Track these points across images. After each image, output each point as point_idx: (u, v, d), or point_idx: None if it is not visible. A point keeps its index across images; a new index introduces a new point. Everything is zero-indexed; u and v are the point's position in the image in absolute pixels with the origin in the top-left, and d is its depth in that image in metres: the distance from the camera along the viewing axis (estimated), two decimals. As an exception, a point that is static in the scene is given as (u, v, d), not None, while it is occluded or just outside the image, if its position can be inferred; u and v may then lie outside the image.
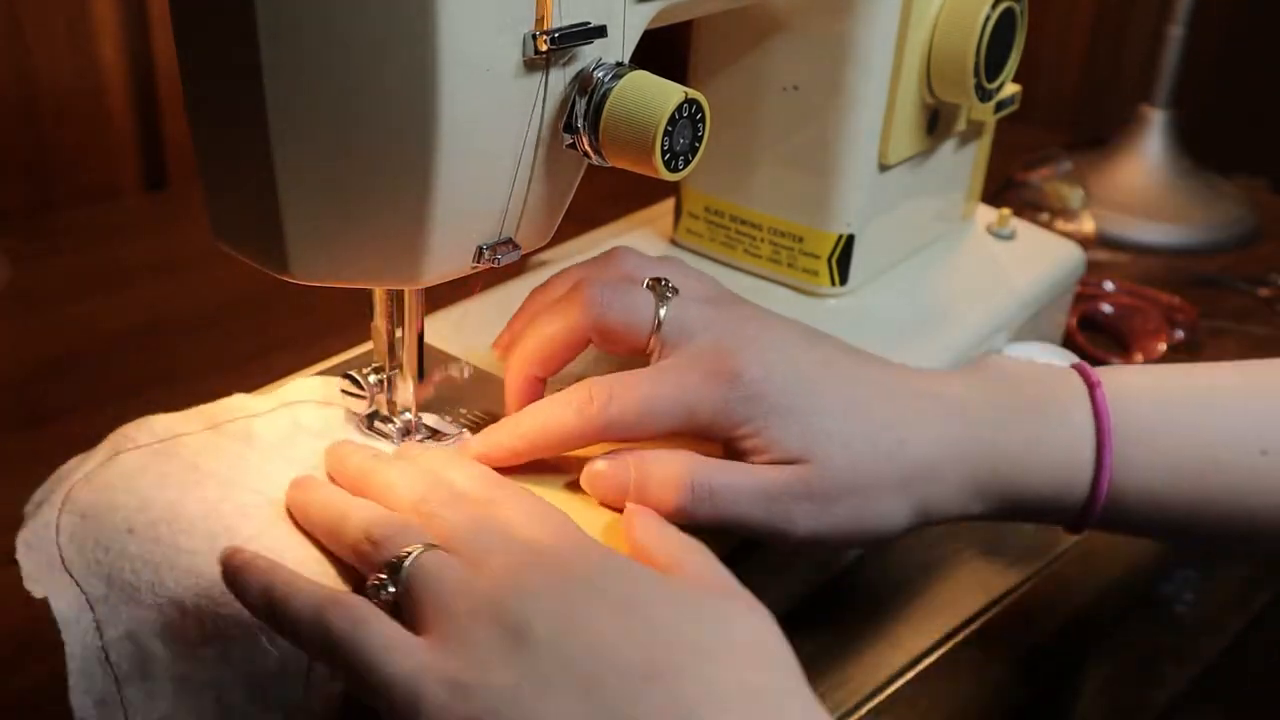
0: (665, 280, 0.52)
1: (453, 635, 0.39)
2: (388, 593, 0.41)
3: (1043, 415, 0.51)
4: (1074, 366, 0.53)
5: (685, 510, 0.48)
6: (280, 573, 0.42)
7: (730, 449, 0.49)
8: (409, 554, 0.42)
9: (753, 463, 0.49)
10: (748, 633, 0.40)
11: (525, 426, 0.50)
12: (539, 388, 0.53)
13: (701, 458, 0.49)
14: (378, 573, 0.42)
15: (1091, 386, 0.51)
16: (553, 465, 0.51)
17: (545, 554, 0.42)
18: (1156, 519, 0.51)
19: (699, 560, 0.44)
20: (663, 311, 0.50)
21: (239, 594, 0.43)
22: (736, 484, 0.48)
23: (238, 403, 0.52)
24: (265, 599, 0.42)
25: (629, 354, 0.51)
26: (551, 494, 0.49)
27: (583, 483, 0.49)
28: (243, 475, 0.48)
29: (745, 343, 0.49)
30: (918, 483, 0.50)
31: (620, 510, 0.48)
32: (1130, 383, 0.52)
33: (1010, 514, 0.52)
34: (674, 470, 0.48)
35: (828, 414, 0.49)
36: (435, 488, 0.46)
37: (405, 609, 0.41)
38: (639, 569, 0.42)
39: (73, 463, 0.48)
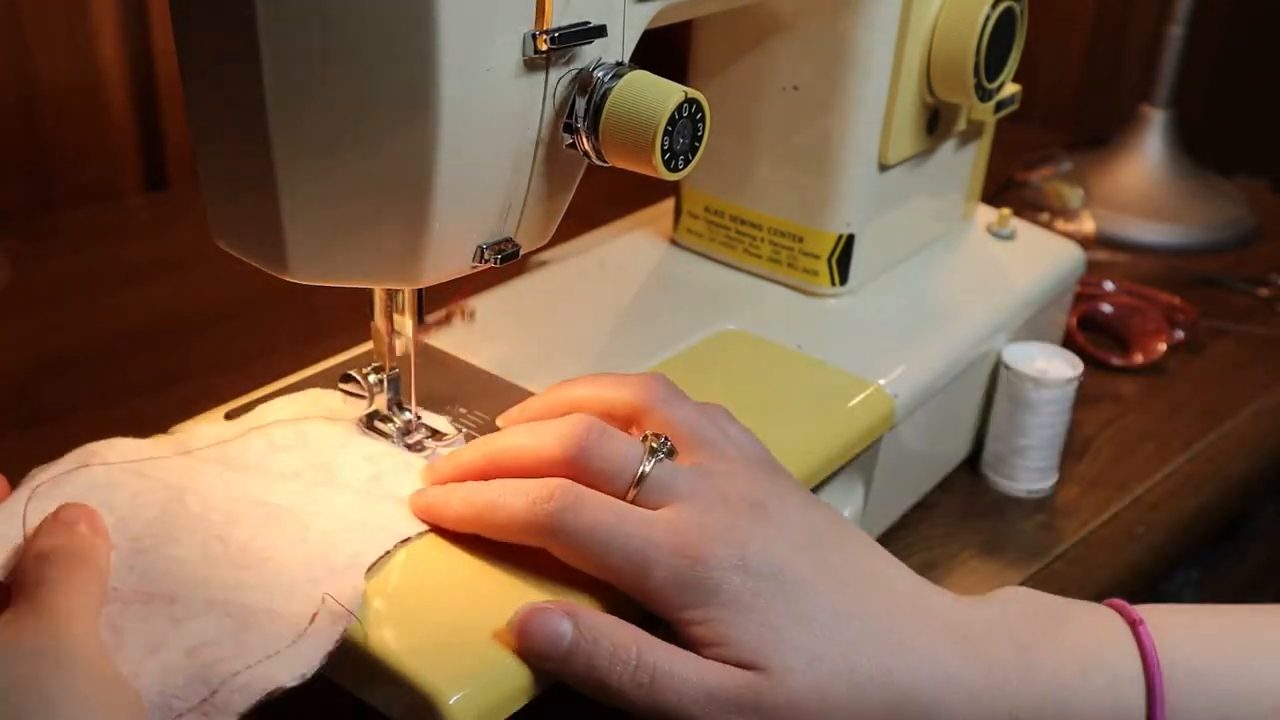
0: (664, 438, 0.47)
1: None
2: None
3: (1081, 657, 0.45)
4: (1110, 604, 0.47)
5: (620, 689, 0.42)
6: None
7: (675, 633, 0.44)
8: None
9: (702, 655, 0.43)
10: None
11: (476, 497, 0.46)
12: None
13: (650, 637, 0.43)
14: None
15: (1133, 624, 0.46)
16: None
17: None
18: None
19: None
20: (647, 467, 0.46)
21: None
22: (680, 675, 0.42)
23: (205, 430, 0.51)
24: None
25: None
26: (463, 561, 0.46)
27: (515, 621, 0.43)
28: (223, 489, 0.48)
29: (728, 528, 0.44)
30: None
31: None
32: (1174, 623, 0.46)
33: None
34: (617, 640, 0.43)
35: (799, 621, 0.43)
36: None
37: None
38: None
39: (35, 471, 0.48)
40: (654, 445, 0.47)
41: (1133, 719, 0.44)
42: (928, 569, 0.62)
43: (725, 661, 0.43)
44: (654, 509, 0.46)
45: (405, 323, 0.51)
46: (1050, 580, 0.63)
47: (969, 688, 0.44)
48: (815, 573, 0.45)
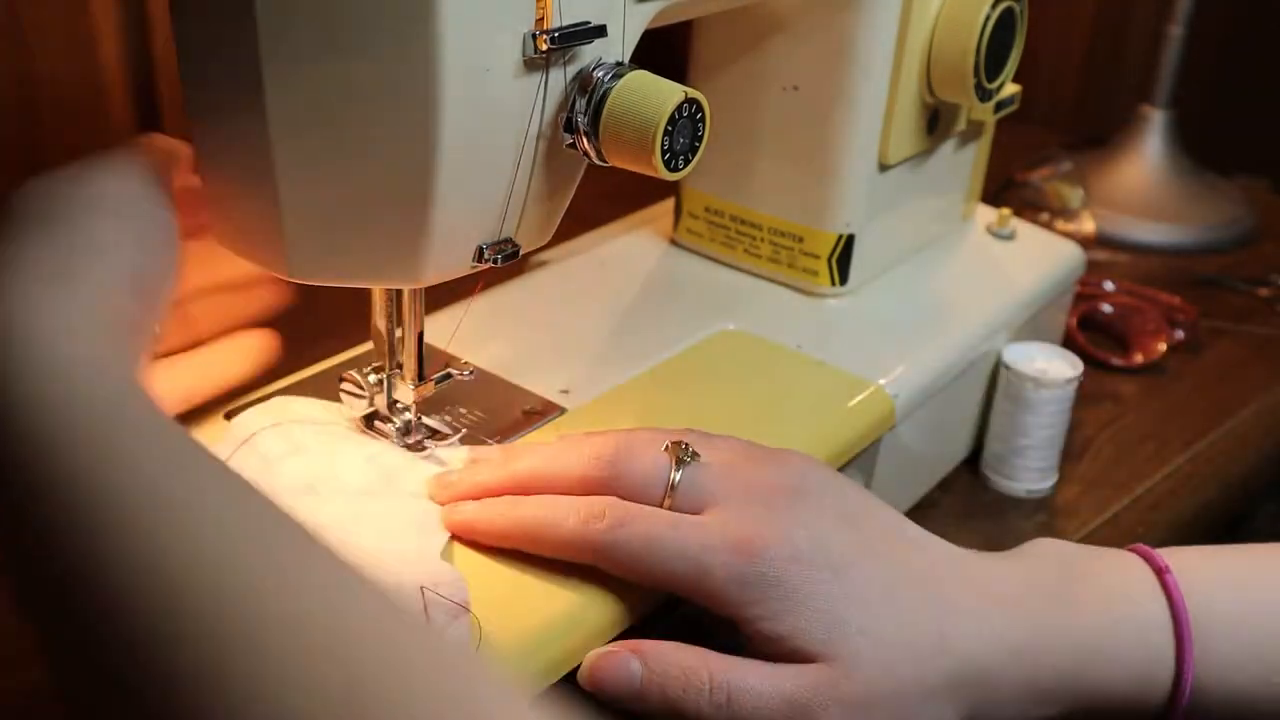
0: (686, 444, 0.48)
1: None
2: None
3: (1110, 605, 0.46)
4: (1134, 550, 0.49)
5: (699, 714, 0.43)
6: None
7: (739, 630, 0.45)
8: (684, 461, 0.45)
9: (767, 650, 0.45)
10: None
11: (523, 513, 0.46)
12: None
13: (716, 655, 0.44)
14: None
15: (1159, 571, 0.47)
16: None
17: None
18: (1245, 714, 0.46)
19: None
20: (677, 476, 0.47)
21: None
22: (756, 688, 0.43)
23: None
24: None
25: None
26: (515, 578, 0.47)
27: (581, 675, 0.44)
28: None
29: (772, 517, 0.45)
30: (967, 687, 0.45)
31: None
32: (1199, 566, 0.47)
33: (1082, 716, 0.46)
34: (687, 666, 0.44)
35: (856, 604, 0.44)
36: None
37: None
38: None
39: None
40: (679, 455, 0.47)
41: (1163, 666, 0.46)
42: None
43: (793, 654, 0.44)
44: (691, 514, 0.46)
45: (408, 390, 0.52)
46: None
47: (1013, 644, 0.45)
48: (860, 551, 0.46)
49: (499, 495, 0.48)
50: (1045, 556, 0.49)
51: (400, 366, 0.52)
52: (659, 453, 0.48)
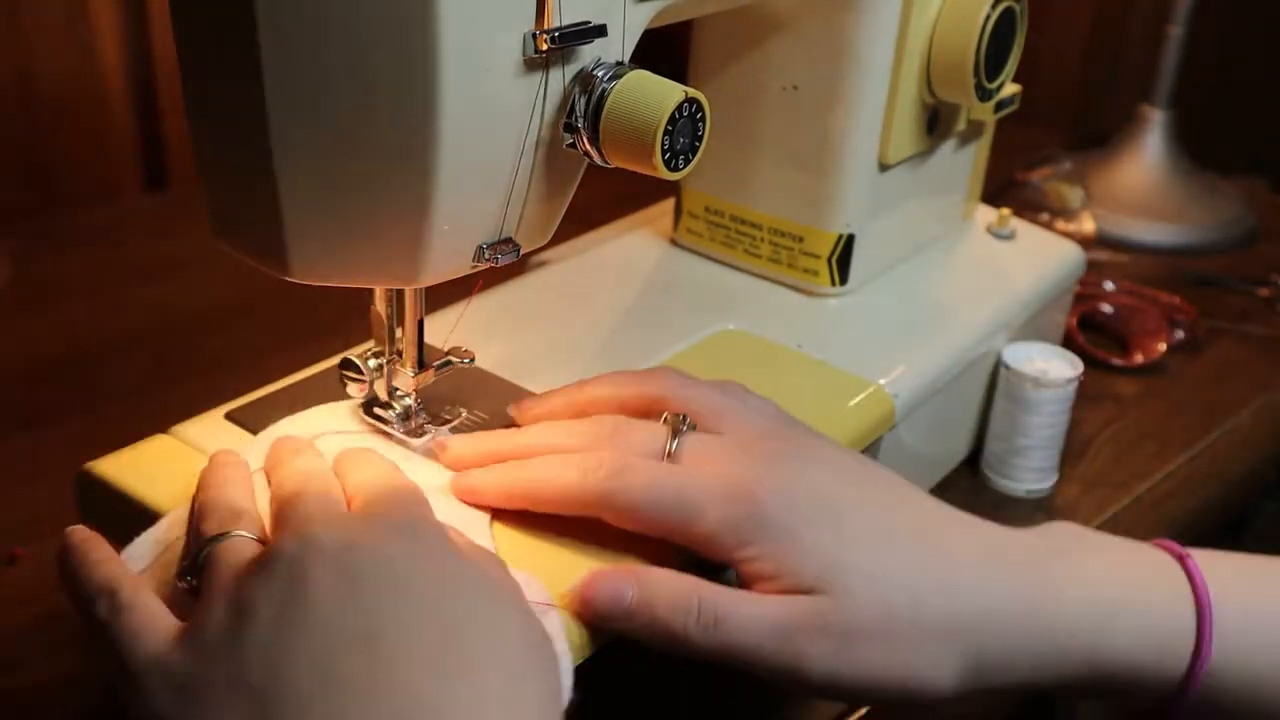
0: (683, 416, 0.48)
1: (195, 622, 0.39)
2: (185, 581, 0.42)
3: (1131, 576, 0.46)
4: (1156, 543, 0.49)
5: (687, 636, 0.44)
6: (92, 554, 0.42)
7: (735, 573, 0.46)
8: (211, 540, 0.42)
9: (760, 590, 0.45)
10: (481, 648, 0.38)
11: (525, 474, 0.47)
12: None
13: (709, 583, 0.44)
14: (184, 563, 0.43)
15: (1180, 557, 0.47)
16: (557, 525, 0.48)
17: (325, 538, 0.40)
18: (1254, 703, 0.46)
19: (494, 563, 0.43)
20: (674, 445, 0.47)
21: (58, 572, 0.43)
22: (744, 612, 0.43)
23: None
24: (68, 577, 0.42)
25: None
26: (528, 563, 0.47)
27: (581, 588, 0.45)
28: None
29: (770, 469, 0.46)
30: (970, 632, 0.44)
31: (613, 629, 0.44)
32: (1218, 558, 0.48)
33: (1095, 684, 0.46)
34: (678, 589, 0.44)
35: (854, 543, 0.44)
36: (309, 474, 0.45)
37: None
38: (408, 558, 0.40)
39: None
40: (675, 425, 0.48)
41: (1182, 637, 0.45)
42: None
43: (787, 591, 0.44)
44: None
45: (408, 377, 0.52)
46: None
47: (1023, 600, 0.45)
48: (860, 499, 0.46)
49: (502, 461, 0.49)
50: (1063, 531, 0.48)
51: (400, 354, 0.51)
52: (655, 426, 0.48)
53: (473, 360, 0.53)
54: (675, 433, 0.48)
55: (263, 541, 0.43)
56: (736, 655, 0.44)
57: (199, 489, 0.46)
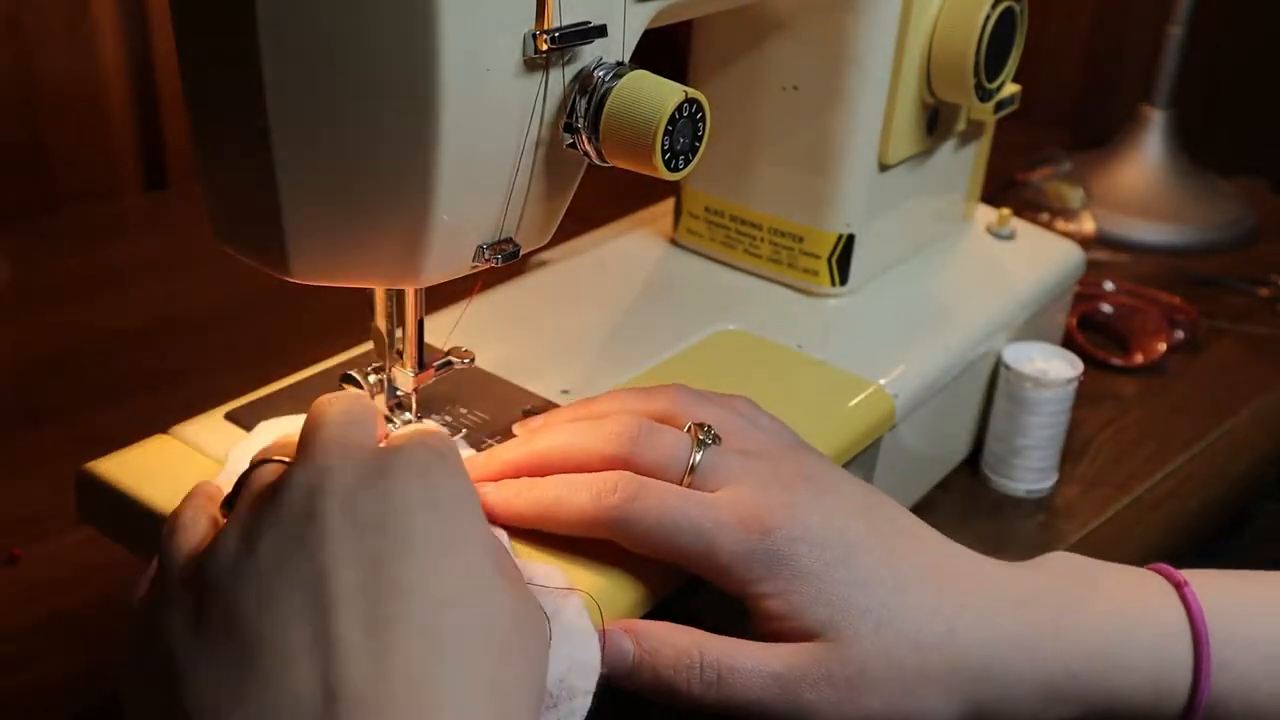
0: (708, 427, 0.48)
1: (207, 549, 0.39)
2: (225, 509, 0.43)
3: (1127, 613, 0.46)
4: (1153, 568, 0.48)
5: (690, 693, 0.44)
6: (201, 489, 0.44)
7: (745, 607, 0.46)
8: (251, 468, 0.43)
9: (769, 629, 0.45)
10: (473, 610, 0.37)
11: (538, 494, 0.47)
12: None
13: (709, 636, 0.44)
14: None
15: (1178, 585, 0.47)
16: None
17: (339, 472, 0.40)
18: None
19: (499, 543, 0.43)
20: (698, 457, 0.47)
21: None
22: (747, 667, 0.44)
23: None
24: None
25: None
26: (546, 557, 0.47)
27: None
28: None
29: (786, 500, 0.46)
30: (971, 682, 0.44)
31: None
32: (1215, 583, 0.47)
33: None
34: (679, 646, 0.44)
35: (864, 587, 0.44)
36: (336, 410, 0.43)
37: None
38: (423, 523, 0.39)
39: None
40: (700, 436, 0.48)
41: (1180, 675, 0.45)
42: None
43: (794, 633, 0.44)
44: (712, 490, 0.47)
45: (408, 377, 0.51)
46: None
47: (1024, 644, 0.45)
48: (873, 540, 0.46)
49: (520, 474, 0.49)
50: (1061, 566, 0.48)
51: (400, 354, 0.51)
52: (681, 433, 0.48)
53: (472, 360, 0.53)
54: (700, 444, 0.48)
55: None
56: (740, 708, 0.44)
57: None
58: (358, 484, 0.39)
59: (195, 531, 0.41)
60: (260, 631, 0.36)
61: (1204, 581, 0.47)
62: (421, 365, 0.51)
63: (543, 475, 0.48)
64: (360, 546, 0.37)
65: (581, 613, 0.44)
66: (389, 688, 0.35)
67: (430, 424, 0.51)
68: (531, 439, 0.49)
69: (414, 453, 0.41)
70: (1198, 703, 0.45)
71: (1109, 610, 0.46)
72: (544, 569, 0.45)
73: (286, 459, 0.42)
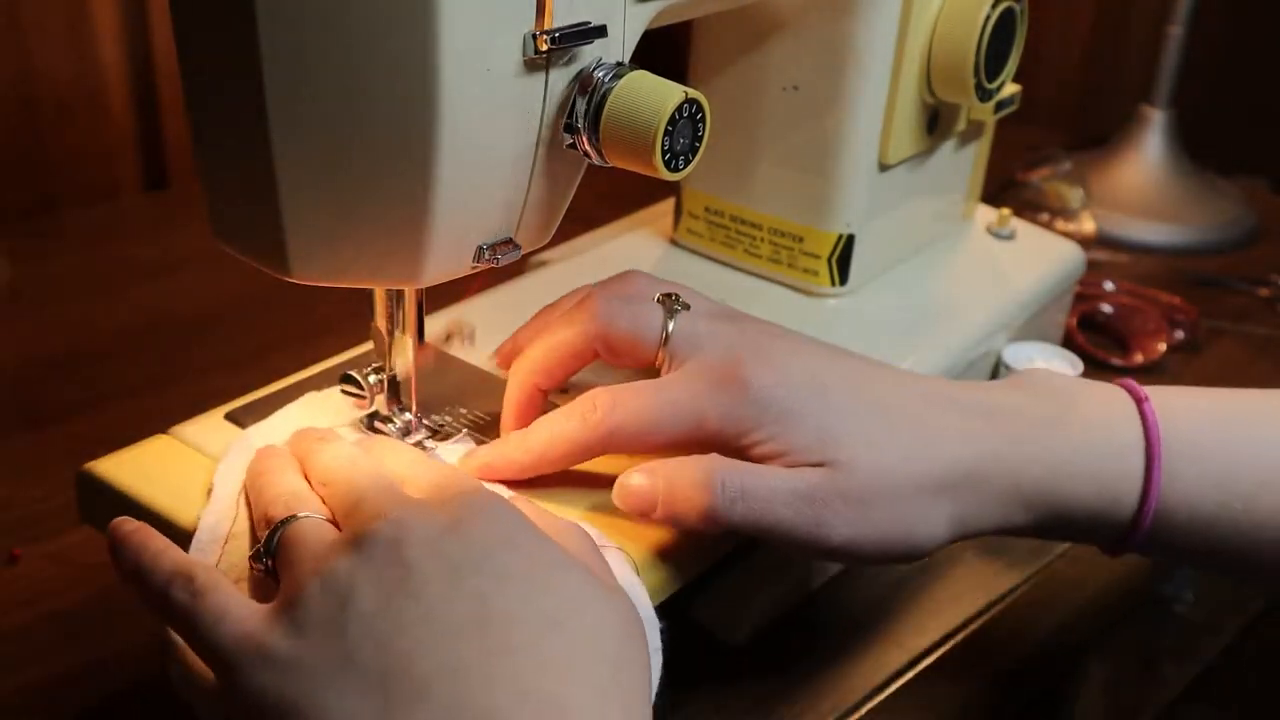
0: (675, 295, 0.51)
1: (286, 598, 0.39)
2: (261, 563, 0.42)
3: (1087, 425, 0.49)
4: (1120, 383, 0.51)
5: (716, 512, 0.46)
6: (151, 545, 0.42)
7: (744, 459, 0.47)
8: (284, 523, 0.42)
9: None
10: (583, 634, 0.38)
11: (531, 439, 0.49)
12: (541, 400, 0.52)
13: (730, 460, 0.47)
14: (259, 544, 0.43)
15: (1139, 400, 0.50)
16: (577, 482, 0.50)
17: (413, 520, 0.40)
18: (1202, 541, 0.49)
19: (576, 538, 0.44)
20: (671, 325, 0.49)
21: (114, 564, 0.43)
22: (768, 484, 0.46)
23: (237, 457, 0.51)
24: (133, 572, 0.42)
25: (636, 367, 0.51)
26: (576, 515, 0.49)
27: (614, 498, 0.48)
28: None
29: (756, 352, 0.48)
30: (954, 490, 0.47)
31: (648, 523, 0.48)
32: (1178, 401, 0.50)
33: (1053, 528, 0.50)
34: (701, 472, 0.46)
35: (846, 415, 0.47)
36: (353, 460, 0.45)
37: (278, 578, 0.41)
38: (505, 545, 0.40)
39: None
40: (673, 306, 0.50)
41: (1131, 485, 0.48)
42: (928, 569, 0.62)
43: (796, 466, 0.47)
44: (683, 362, 0.49)
45: (406, 342, 0.51)
46: (1050, 580, 0.63)
47: (997, 453, 0.48)
48: (846, 374, 0.49)
49: (519, 420, 0.51)
50: (1034, 385, 0.51)
51: (400, 329, 0.51)
52: (652, 303, 0.50)
53: (474, 332, 0.53)
54: (671, 313, 0.50)
55: (333, 524, 0.43)
56: (762, 526, 0.46)
57: (251, 478, 0.47)
58: (440, 533, 0.40)
59: (228, 591, 0.41)
60: (388, 671, 0.36)
61: (1163, 397, 0.50)
62: (421, 338, 0.51)
63: (532, 398, 0.51)
64: (461, 586, 0.38)
65: (624, 565, 0.46)
66: (524, 710, 0.36)
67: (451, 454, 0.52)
68: (519, 384, 0.52)
69: (472, 499, 0.42)
70: (1145, 511, 0.48)
71: (1073, 427, 0.49)
72: (567, 522, 0.46)
73: (313, 513, 0.43)
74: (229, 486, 0.48)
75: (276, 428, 0.52)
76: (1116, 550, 0.51)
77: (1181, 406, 0.50)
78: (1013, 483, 0.48)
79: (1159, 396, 0.50)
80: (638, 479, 0.47)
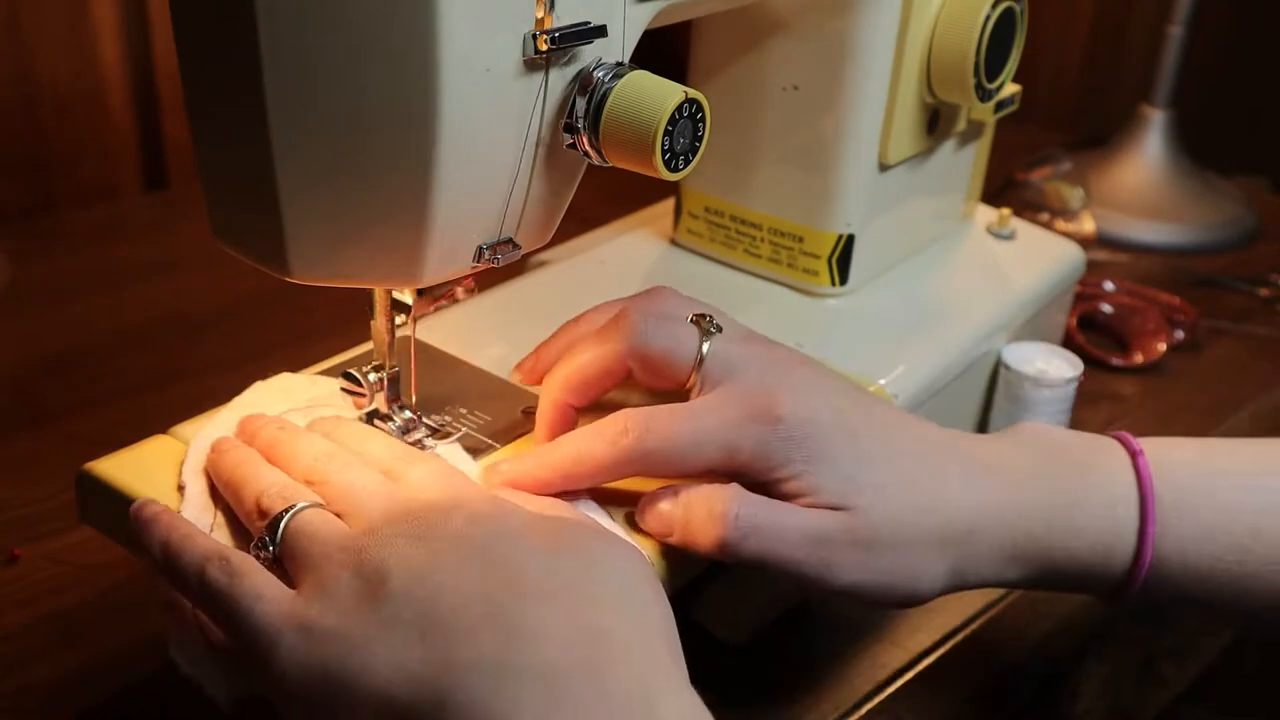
0: (709, 317, 0.50)
1: (317, 585, 0.41)
2: (267, 551, 0.43)
3: (1083, 480, 0.50)
4: (1114, 436, 0.52)
5: (728, 545, 0.46)
6: (179, 527, 0.45)
7: (768, 492, 0.48)
8: (288, 511, 0.44)
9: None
10: (610, 577, 0.41)
11: (557, 456, 0.49)
12: (572, 416, 0.52)
13: (748, 493, 0.47)
14: (261, 533, 0.44)
15: (1133, 454, 0.50)
16: (601, 497, 0.50)
17: (422, 506, 0.43)
18: (1199, 591, 0.50)
19: (568, 508, 0.47)
20: (706, 346, 0.49)
21: (142, 547, 0.45)
22: (781, 522, 0.47)
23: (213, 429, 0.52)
24: (162, 552, 0.44)
25: (668, 388, 0.50)
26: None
27: (636, 516, 0.49)
28: None
29: (790, 385, 0.48)
30: (954, 544, 0.49)
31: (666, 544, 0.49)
32: (1173, 453, 0.51)
33: (1049, 581, 0.50)
34: (719, 503, 0.47)
35: (870, 463, 0.48)
36: (334, 454, 0.47)
37: (285, 566, 0.43)
38: (513, 515, 0.43)
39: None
40: (708, 328, 0.50)
41: (1126, 539, 0.49)
42: (928, 569, 0.62)
43: (815, 507, 0.47)
44: (714, 385, 0.49)
45: (406, 299, 0.51)
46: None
47: (995, 508, 0.49)
48: (867, 419, 0.49)
49: (551, 430, 0.51)
50: (1031, 438, 0.52)
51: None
52: (687, 323, 0.50)
53: (473, 290, 0.53)
54: (706, 334, 0.49)
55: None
56: (771, 562, 0.47)
57: (224, 472, 0.48)
58: (449, 518, 0.42)
59: (263, 574, 0.43)
60: (429, 624, 0.39)
61: (1159, 450, 0.51)
62: (421, 292, 0.51)
63: (567, 401, 0.51)
64: (489, 555, 0.41)
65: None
66: (574, 637, 0.38)
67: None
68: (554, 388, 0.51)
69: (462, 490, 0.45)
70: (1140, 565, 0.49)
71: (1068, 480, 0.50)
72: (589, 506, 0.49)
73: (309, 502, 0.45)
74: (201, 482, 0.49)
75: (228, 421, 0.52)
76: (1112, 602, 0.51)
77: (1174, 460, 0.51)
78: (1009, 538, 0.49)
79: (1152, 449, 0.51)
80: (663, 505, 0.48)
